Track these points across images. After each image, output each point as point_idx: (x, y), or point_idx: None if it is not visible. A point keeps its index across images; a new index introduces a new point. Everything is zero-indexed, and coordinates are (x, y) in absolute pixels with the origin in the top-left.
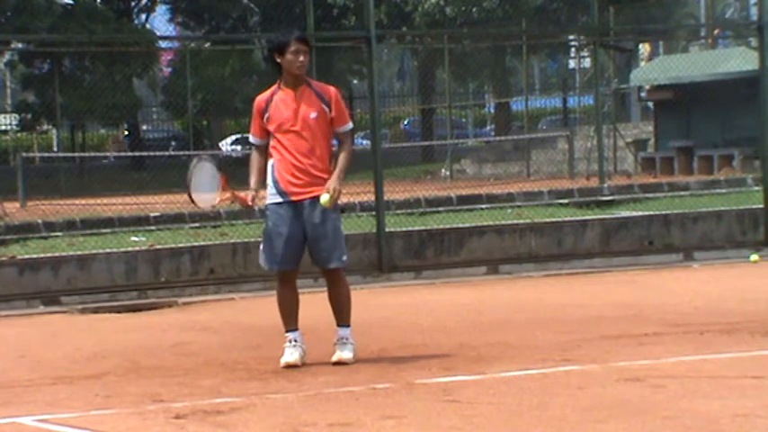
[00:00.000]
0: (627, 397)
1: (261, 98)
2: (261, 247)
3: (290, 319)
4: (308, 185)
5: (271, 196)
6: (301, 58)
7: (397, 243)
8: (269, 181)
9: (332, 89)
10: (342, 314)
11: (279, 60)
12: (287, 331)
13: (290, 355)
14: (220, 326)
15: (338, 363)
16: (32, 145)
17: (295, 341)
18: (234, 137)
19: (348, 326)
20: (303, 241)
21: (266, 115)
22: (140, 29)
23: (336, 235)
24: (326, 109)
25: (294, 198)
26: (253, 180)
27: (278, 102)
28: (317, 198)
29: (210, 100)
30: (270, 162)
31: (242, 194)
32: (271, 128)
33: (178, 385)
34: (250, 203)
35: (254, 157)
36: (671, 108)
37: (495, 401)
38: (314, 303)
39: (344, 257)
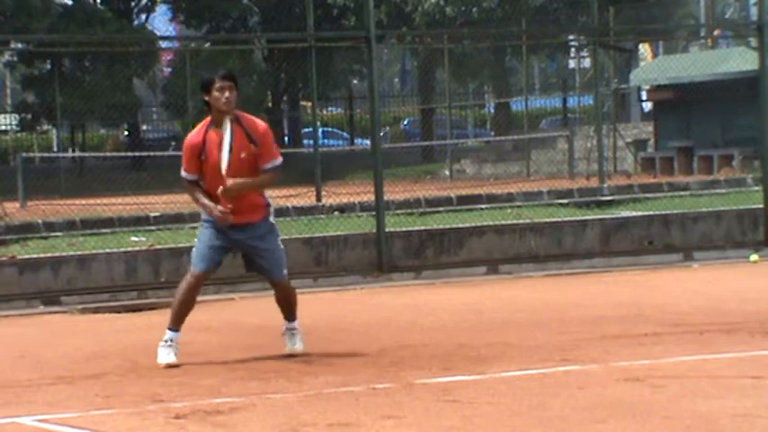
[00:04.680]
0: (627, 397)
1: (194, 138)
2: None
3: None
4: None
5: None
6: (227, 95)
7: (397, 243)
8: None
9: (261, 125)
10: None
11: (207, 98)
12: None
13: (167, 355)
14: (220, 326)
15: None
16: (32, 145)
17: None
18: None
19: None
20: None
21: (203, 156)
22: (140, 29)
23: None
24: (253, 146)
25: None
26: (204, 200)
27: (209, 143)
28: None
29: None
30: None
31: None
32: (205, 167)
33: (178, 385)
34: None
35: (194, 189)
36: (671, 108)
37: (495, 401)
38: (312, 303)
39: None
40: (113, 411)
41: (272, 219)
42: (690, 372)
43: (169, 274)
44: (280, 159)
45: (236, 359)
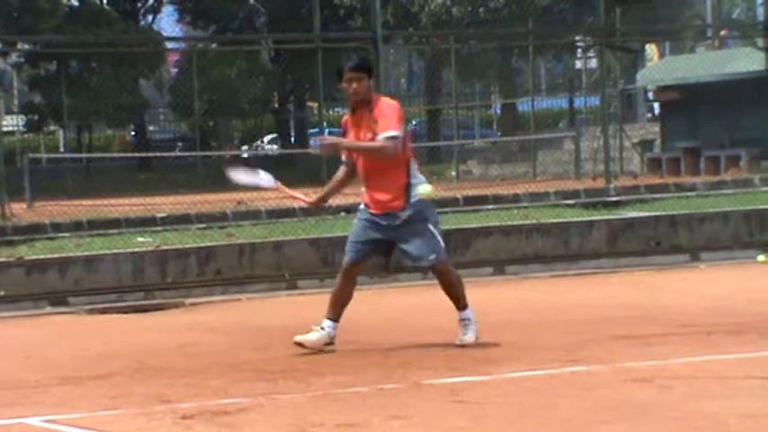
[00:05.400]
0: (634, 398)
1: (345, 119)
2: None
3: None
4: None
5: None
6: (354, 86)
7: None
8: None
9: (384, 103)
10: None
11: (341, 87)
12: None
13: (304, 335)
14: (227, 326)
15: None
16: (39, 146)
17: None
18: (270, 136)
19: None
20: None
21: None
22: (147, 30)
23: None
24: (375, 126)
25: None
26: (325, 187)
27: (348, 127)
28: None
29: (217, 101)
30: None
31: (300, 196)
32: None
33: (185, 386)
34: (306, 201)
35: (339, 170)
36: (677, 109)
37: (502, 402)
38: (319, 304)
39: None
40: (120, 412)
41: (415, 202)
42: (697, 372)
43: (176, 274)
44: (393, 132)
45: (242, 360)
